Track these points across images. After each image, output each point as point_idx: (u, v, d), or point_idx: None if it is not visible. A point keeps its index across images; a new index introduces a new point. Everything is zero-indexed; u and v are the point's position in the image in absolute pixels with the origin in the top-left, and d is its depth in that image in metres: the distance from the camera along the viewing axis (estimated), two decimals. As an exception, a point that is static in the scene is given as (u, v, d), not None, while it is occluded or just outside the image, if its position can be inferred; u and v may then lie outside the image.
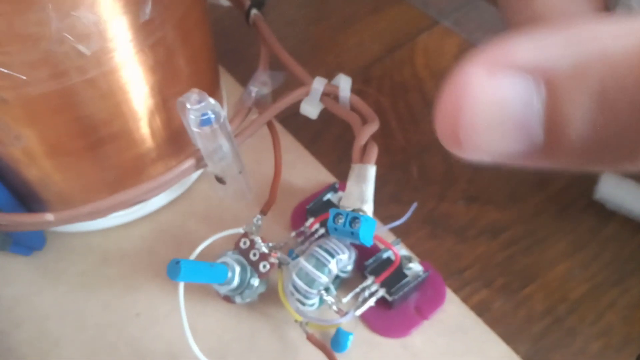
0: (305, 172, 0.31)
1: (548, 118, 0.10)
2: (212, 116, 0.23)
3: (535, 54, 0.09)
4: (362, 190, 0.24)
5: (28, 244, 0.28)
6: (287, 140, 0.32)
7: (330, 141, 0.33)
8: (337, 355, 0.24)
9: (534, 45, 0.09)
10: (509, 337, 0.25)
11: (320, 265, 0.23)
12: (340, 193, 0.28)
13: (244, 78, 0.32)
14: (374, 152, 0.25)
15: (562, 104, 0.09)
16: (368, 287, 0.25)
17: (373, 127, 0.26)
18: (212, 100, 0.23)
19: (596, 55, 0.09)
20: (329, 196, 0.28)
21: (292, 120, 0.32)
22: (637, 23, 0.09)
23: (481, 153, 0.10)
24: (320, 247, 0.24)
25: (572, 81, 0.09)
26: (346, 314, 0.24)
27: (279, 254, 0.25)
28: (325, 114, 0.29)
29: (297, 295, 0.24)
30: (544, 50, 0.09)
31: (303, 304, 0.24)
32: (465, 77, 0.10)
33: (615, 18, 0.09)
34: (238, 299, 0.25)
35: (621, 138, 0.09)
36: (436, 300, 0.26)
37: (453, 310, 0.26)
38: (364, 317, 0.26)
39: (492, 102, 0.10)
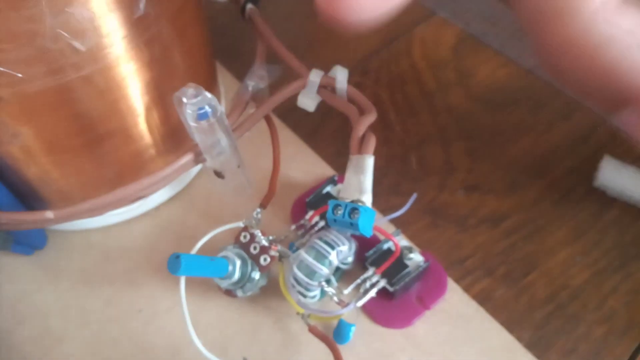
0: (304, 165, 0.31)
1: None
2: (209, 110, 0.23)
3: None
4: (360, 181, 0.24)
5: (29, 243, 0.28)
6: (286, 134, 0.32)
7: (328, 134, 0.33)
8: (339, 346, 0.24)
9: None
10: (511, 325, 0.25)
11: (321, 257, 0.23)
12: (339, 186, 0.28)
13: (240, 73, 0.31)
14: (371, 142, 0.25)
15: None
16: (369, 278, 0.25)
17: (370, 117, 0.26)
18: (208, 94, 0.23)
19: None
20: (328, 189, 0.28)
21: (290, 114, 0.32)
22: None
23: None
24: (320, 239, 0.24)
25: None
26: (348, 305, 0.24)
27: (279, 247, 0.25)
28: (323, 107, 0.29)
29: (299, 288, 0.24)
30: None
31: (304, 296, 0.24)
32: None
33: None
34: (239, 293, 0.25)
35: None
36: (438, 290, 0.26)
37: (455, 299, 0.26)
38: (365, 308, 0.26)
39: None
